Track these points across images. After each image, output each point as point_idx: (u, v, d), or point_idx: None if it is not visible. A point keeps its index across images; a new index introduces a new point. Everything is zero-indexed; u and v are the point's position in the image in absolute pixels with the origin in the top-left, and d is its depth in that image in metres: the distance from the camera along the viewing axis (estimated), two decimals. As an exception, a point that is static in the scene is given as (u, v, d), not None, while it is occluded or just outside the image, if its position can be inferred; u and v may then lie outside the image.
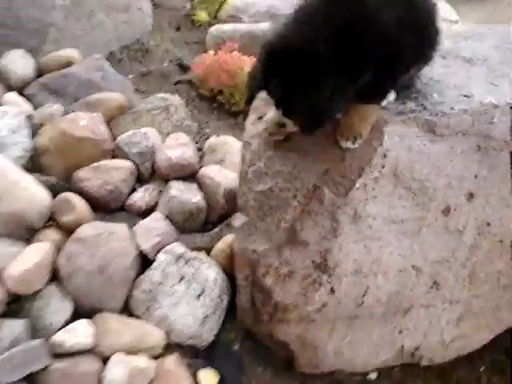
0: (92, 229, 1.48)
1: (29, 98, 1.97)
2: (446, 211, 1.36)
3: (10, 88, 1.98)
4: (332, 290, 1.38)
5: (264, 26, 2.61)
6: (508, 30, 1.92)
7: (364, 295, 1.39)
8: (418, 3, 1.13)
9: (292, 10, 1.11)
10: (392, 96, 1.23)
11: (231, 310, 1.53)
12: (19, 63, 2.01)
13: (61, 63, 2.07)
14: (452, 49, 1.55)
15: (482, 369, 1.78)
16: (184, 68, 2.45)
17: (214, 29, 2.62)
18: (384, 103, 1.21)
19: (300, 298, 1.38)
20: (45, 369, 1.29)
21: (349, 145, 1.20)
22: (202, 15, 2.83)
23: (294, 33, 1.05)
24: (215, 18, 2.93)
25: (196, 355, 1.46)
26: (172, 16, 2.88)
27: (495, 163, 1.34)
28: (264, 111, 1.44)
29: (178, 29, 2.85)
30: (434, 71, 1.37)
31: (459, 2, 5.43)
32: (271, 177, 1.38)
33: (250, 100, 1.23)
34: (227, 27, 2.57)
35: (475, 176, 1.34)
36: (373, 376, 1.62)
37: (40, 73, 2.07)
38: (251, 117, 1.50)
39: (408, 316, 1.49)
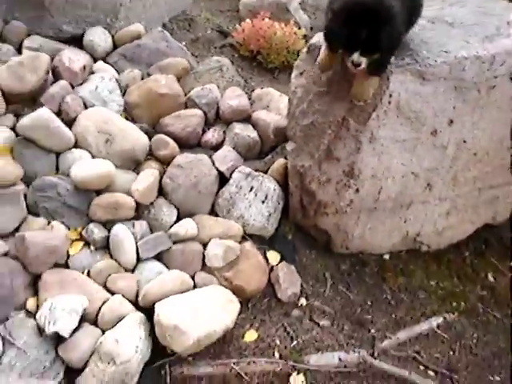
0: (185, 158, 2.21)
1: (111, 65, 2.65)
2: (434, 133, 2.07)
3: (95, 59, 2.66)
4: (357, 190, 2.11)
5: (286, -5, 3.24)
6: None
7: (379, 193, 2.13)
8: None
9: None
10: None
11: (285, 210, 2.27)
12: (101, 37, 2.68)
13: (132, 36, 2.74)
14: (438, 15, 2.21)
15: (466, 254, 2.53)
16: (224, 33, 3.11)
17: (245, -1, 3.26)
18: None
19: (335, 196, 2.12)
20: (168, 249, 2.04)
21: (359, 104, 1.88)
22: (234, -17, 3.45)
23: None
24: (242, -13, 3.54)
25: (263, 242, 2.22)
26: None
27: (467, 98, 2.04)
28: (304, 68, 2.15)
29: (211, -1, 3.48)
30: (425, 34, 2.05)
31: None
32: (312, 114, 2.10)
33: (336, 49, 1.77)
34: (256, -3, 3.22)
35: (453, 107, 2.04)
36: (386, 256, 2.38)
37: (116, 44, 2.74)
38: (295, 72, 2.20)
39: (410, 209, 2.23)
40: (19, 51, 2.60)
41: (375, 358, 2.03)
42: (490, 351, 2.23)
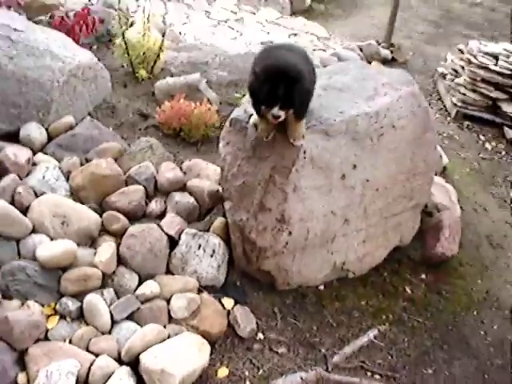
0: (137, 228, 2.58)
1: (50, 155, 2.99)
2: (343, 177, 2.65)
3: (33, 151, 2.99)
4: (290, 233, 2.60)
5: (193, 78, 3.81)
6: (361, 63, 3.34)
7: (308, 233, 2.63)
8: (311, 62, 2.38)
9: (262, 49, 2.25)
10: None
11: (231, 261, 2.70)
12: (37, 131, 3.01)
13: (65, 127, 3.10)
14: (329, 83, 2.86)
15: (385, 274, 3.10)
16: (145, 116, 3.57)
17: (159, 83, 3.77)
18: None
19: (272, 241, 2.59)
20: (137, 309, 2.37)
21: (298, 143, 2.41)
22: (143, 73, 3.96)
23: (281, 60, 2.15)
24: (151, 73, 4.08)
25: (217, 291, 2.61)
26: (117, 76, 3.98)
27: (363, 146, 2.65)
28: (229, 139, 2.66)
29: (125, 86, 3.96)
30: (322, 100, 2.66)
31: (327, 21, 7.08)
32: (242, 175, 2.59)
33: (259, 112, 2.28)
34: (170, 81, 3.75)
35: (354, 155, 2.65)
36: (321, 287, 2.86)
37: (50, 136, 3.09)
38: (222, 142, 2.71)
39: (334, 242, 2.76)
40: (-45, 153, 2.85)
41: (329, 372, 2.45)
42: (419, 351, 2.75)
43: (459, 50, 5.72)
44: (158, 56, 4.03)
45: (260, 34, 6.12)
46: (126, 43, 3.95)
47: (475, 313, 3.06)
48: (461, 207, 3.66)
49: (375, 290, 2.97)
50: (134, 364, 2.11)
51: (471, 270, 3.34)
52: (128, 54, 3.97)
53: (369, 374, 2.55)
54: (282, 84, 2.09)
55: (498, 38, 7.18)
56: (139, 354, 2.08)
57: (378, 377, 2.54)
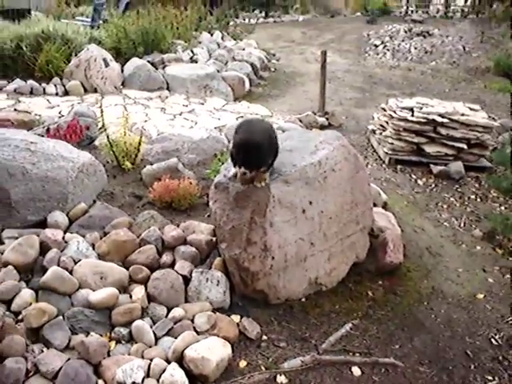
0: (159, 273, 3.61)
1: (75, 233, 4.02)
2: (303, 211, 3.81)
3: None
4: (273, 258, 3.70)
5: (172, 161, 4.99)
6: (302, 130, 4.63)
7: (285, 256, 3.73)
8: (273, 133, 3.63)
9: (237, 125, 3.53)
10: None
11: (232, 287, 3.75)
12: (60, 217, 4.07)
13: (82, 211, 4.18)
14: (282, 147, 4.08)
15: (350, 285, 4.20)
16: (139, 197, 4.68)
17: (146, 170, 4.92)
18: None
19: (261, 266, 3.67)
20: (171, 328, 3.36)
21: (259, 185, 3.57)
22: (128, 164, 5.12)
23: (250, 134, 3.42)
24: (134, 164, 5.24)
25: (225, 311, 3.63)
26: (106, 170, 5.11)
27: (314, 187, 3.84)
28: (216, 197, 3.81)
29: (114, 177, 5.09)
30: (280, 159, 3.87)
31: (267, 101, 8.56)
32: (231, 221, 3.71)
33: (235, 164, 3.47)
34: (154, 166, 4.91)
35: (309, 194, 3.82)
36: (303, 299, 3.93)
37: (71, 220, 4.14)
38: (211, 201, 3.84)
39: (306, 262, 3.86)
40: (0, 243, 3.85)
41: (321, 355, 3.48)
42: (386, 334, 3.79)
43: (382, 108, 7.23)
44: (138, 150, 5.21)
45: (212, 120, 7.46)
46: (110, 143, 5.12)
47: (426, 303, 4.16)
48: (402, 230, 4.86)
49: (345, 296, 4.04)
50: (179, 362, 3.08)
51: (417, 273, 4.49)
52: (113, 151, 5.13)
53: (350, 354, 3.56)
54: (244, 152, 3.35)
55: (416, 93, 8.86)
56: (183, 352, 3.06)
57: (358, 355, 3.56)
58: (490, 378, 3.49)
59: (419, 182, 6.42)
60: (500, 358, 3.67)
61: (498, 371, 3.54)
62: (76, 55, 8.94)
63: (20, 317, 3.20)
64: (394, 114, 6.74)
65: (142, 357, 3.06)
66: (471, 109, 6.97)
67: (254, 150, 3.34)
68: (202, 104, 8.39)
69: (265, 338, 3.51)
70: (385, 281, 4.25)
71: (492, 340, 3.83)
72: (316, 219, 3.81)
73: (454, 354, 3.66)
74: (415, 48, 13.51)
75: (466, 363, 3.60)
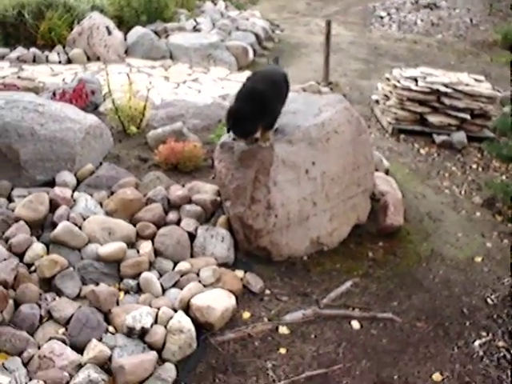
0: (165, 230, 3.78)
1: (83, 192, 4.18)
2: (306, 171, 3.96)
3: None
4: (276, 216, 3.86)
5: (177, 125, 5.13)
6: (306, 94, 4.76)
7: (288, 214, 3.91)
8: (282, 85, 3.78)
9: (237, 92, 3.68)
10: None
11: (236, 244, 3.92)
12: (69, 177, 4.23)
13: (89, 172, 4.33)
14: (286, 110, 4.21)
15: (351, 245, 4.37)
16: (144, 159, 4.83)
17: (151, 134, 5.06)
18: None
19: (264, 223, 3.83)
20: (178, 280, 3.54)
21: (263, 145, 3.73)
22: (133, 129, 5.26)
23: (241, 105, 3.57)
24: (139, 128, 5.38)
25: (229, 267, 3.81)
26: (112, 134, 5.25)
27: (317, 148, 3.98)
28: (221, 157, 3.96)
29: (119, 141, 5.24)
30: (283, 120, 4.01)
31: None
32: (235, 180, 3.86)
33: (228, 131, 3.68)
34: (159, 130, 5.05)
35: (312, 154, 3.98)
36: (305, 258, 4.11)
37: (78, 180, 4.30)
38: (216, 161, 3.99)
39: (308, 221, 4.03)
40: (10, 201, 4.02)
41: (322, 309, 3.66)
42: (385, 292, 3.96)
43: (386, 78, 7.32)
44: (143, 114, 5.35)
45: (216, 89, 7.57)
46: (116, 108, 5.25)
47: (424, 264, 4.33)
48: (403, 196, 5.01)
49: (346, 256, 4.22)
50: (185, 311, 3.26)
51: (417, 237, 4.65)
52: (119, 116, 5.27)
53: (350, 309, 3.75)
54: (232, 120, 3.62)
55: (421, 65, 8.89)
56: (189, 301, 3.24)
57: (357, 310, 3.74)
58: (484, 333, 3.67)
59: (421, 151, 6.56)
60: (494, 316, 3.85)
61: (492, 328, 3.72)
62: (78, 23, 9.01)
63: (32, 268, 3.37)
64: (397, 84, 6.84)
65: (150, 306, 3.24)
66: (476, 80, 7.06)
67: (240, 119, 3.56)
68: (206, 73, 8.48)
69: (267, 292, 3.69)
70: (385, 242, 4.42)
71: (488, 300, 4.00)
72: (318, 180, 3.97)
73: (451, 312, 3.84)
74: (421, 20, 13.51)
75: (461, 320, 3.78)
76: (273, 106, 3.67)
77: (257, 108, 3.54)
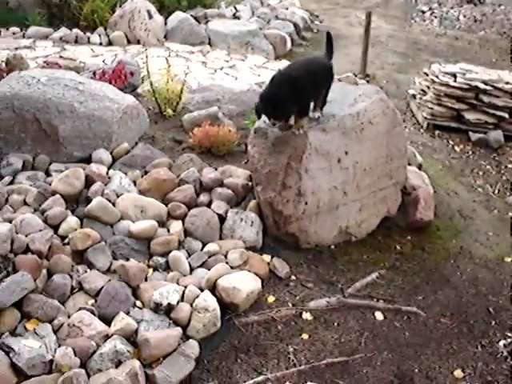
0: (196, 210, 3.81)
1: (118, 170, 4.25)
2: (339, 161, 3.95)
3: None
4: (306, 203, 3.87)
5: (213, 109, 5.16)
6: (342, 84, 4.72)
7: (318, 202, 3.90)
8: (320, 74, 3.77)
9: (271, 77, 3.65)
10: (317, 114, 3.83)
11: (265, 229, 3.94)
12: (105, 155, 4.30)
13: (125, 151, 4.40)
14: (321, 99, 4.20)
15: (379, 237, 4.34)
16: (179, 142, 4.88)
17: (186, 117, 5.10)
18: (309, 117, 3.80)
19: (294, 210, 3.84)
20: (206, 260, 3.58)
21: (296, 132, 3.73)
22: (170, 111, 5.31)
23: (272, 89, 3.58)
24: (175, 111, 5.43)
25: (257, 251, 3.83)
26: (148, 115, 5.31)
27: (351, 137, 3.96)
28: (255, 142, 3.97)
29: (155, 122, 5.29)
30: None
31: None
32: (268, 165, 3.87)
33: (259, 117, 3.69)
34: (195, 114, 5.08)
35: (345, 144, 3.95)
36: (333, 247, 4.10)
37: (114, 158, 4.37)
38: (249, 145, 4.01)
39: (338, 210, 4.02)
40: (47, 175, 4.11)
41: (346, 298, 3.66)
42: (411, 286, 3.94)
43: (424, 73, 7.21)
44: (180, 98, 5.39)
45: (252, 76, 7.57)
46: (153, 90, 5.31)
47: (452, 261, 4.29)
48: (435, 191, 4.95)
49: (373, 248, 4.20)
50: (211, 291, 3.30)
51: (447, 233, 4.60)
52: (156, 98, 5.32)
53: (374, 300, 3.73)
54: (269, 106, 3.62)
55: (461, 62, 8.72)
56: (215, 281, 3.28)
57: (381, 301, 3.73)
58: (509, 334, 3.62)
59: (456, 148, 6.45)
60: (521, 317, 3.78)
61: (519, 329, 3.66)
62: (121, 6, 9.11)
63: (66, 240, 3.45)
64: (436, 79, 6.73)
65: (178, 284, 3.29)
66: (517, 78, 6.90)
67: (272, 100, 3.55)
68: (243, 60, 8.49)
69: (293, 278, 3.71)
70: (414, 237, 4.38)
71: (515, 300, 3.93)
72: (350, 169, 3.95)
73: (476, 310, 3.80)
74: (464, 16, 13.20)
75: (487, 319, 3.74)
76: (305, 93, 3.65)
77: (288, 92, 3.53)
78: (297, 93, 3.52)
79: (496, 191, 5.52)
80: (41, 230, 3.31)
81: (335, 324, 3.41)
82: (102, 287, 3.16)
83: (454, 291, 3.95)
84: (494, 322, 3.69)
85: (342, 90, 4.32)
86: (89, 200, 3.70)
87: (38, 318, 2.91)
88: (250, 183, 4.09)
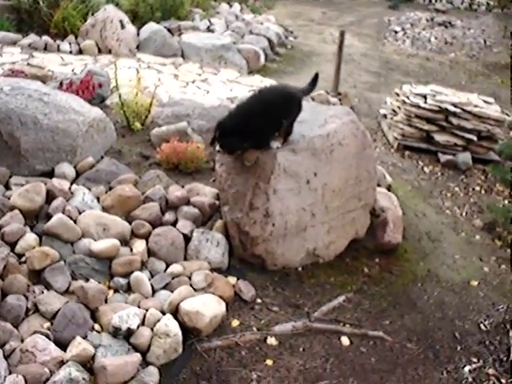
0: (160, 229, 3.72)
1: (81, 185, 4.13)
2: (307, 182, 3.91)
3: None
4: (273, 225, 3.81)
5: (182, 125, 5.08)
6: (313, 104, 4.70)
7: (286, 224, 3.84)
8: (281, 108, 3.72)
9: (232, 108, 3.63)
10: (276, 145, 3.78)
11: (231, 250, 3.87)
12: (68, 169, 4.18)
13: (89, 165, 4.28)
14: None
15: (347, 260, 4.31)
16: (146, 157, 4.78)
17: (155, 131, 5.01)
18: (274, 146, 3.75)
19: (261, 231, 3.78)
20: (169, 282, 3.48)
21: (248, 164, 3.69)
22: (138, 125, 5.21)
23: (228, 120, 3.54)
24: (143, 125, 5.33)
25: (223, 273, 3.75)
26: (115, 129, 5.20)
27: (320, 158, 3.93)
28: (222, 161, 3.90)
29: (123, 136, 5.19)
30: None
31: (281, 77, 8.56)
32: (235, 185, 3.81)
33: (212, 143, 3.65)
34: (163, 128, 5.00)
35: (314, 165, 3.92)
36: (300, 268, 4.04)
37: (78, 172, 4.25)
38: (217, 164, 3.94)
39: (306, 232, 3.97)
40: (7, 188, 3.97)
41: (312, 323, 3.60)
42: (378, 309, 3.90)
43: (396, 93, 7.27)
44: (149, 111, 5.30)
45: (224, 90, 7.52)
46: (121, 102, 5.21)
47: (420, 284, 4.27)
48: (404, 213, 4.95)
49: (341, 270, 4.16)
50: (173, 314, 3.20)
51: (415, 256, 4.59)
52: (124, 111, 5.22)
53: (341, 324, 3.68)
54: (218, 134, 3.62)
55: (431, 83, 8.85)
56: (178, 304, 3.18)
57: (348, 326, 3.68)
58: (474, 360, 3.61)
59: (425, 169, 6.50)
60: (487, 342, 3.78)
61: (484, 354, 3.66)
62: (93, 14, 8.98)
63: (23, 259, 3.32)
64: (406, 100, 6.79)
65: (139, 306, 3.19)
66: (485, 101, 7.01)
67: (225, 134, 3.55)
68: (216, 74, 8.44)
69: (259, 301, 3.63)
70: (381, 259, 4.36)
71: (481, 325, 3.94)
72: (319, 191, 3.91)
73: (443, 335, 3.78)
74: (435, 38, 13.46)
75: (453, 344, 3.72)
76: (260, 127, 3.58)
77: (242, 127, 3.52)
78: (251, 128, 3.51)
79: (464, 213, 5.57)
80: (-4, 248, 3.17)
81: (300, 349, 3.34)
82: (59, 309, 3.03)
83: (421, 315, 3.93)
84: (459, 347, 3.67)
85: (312, 110, 4.28)
86: (49, 216, 3.58)
87: (-11, 343, 2.77)
88: (217, 202, 4.03)
